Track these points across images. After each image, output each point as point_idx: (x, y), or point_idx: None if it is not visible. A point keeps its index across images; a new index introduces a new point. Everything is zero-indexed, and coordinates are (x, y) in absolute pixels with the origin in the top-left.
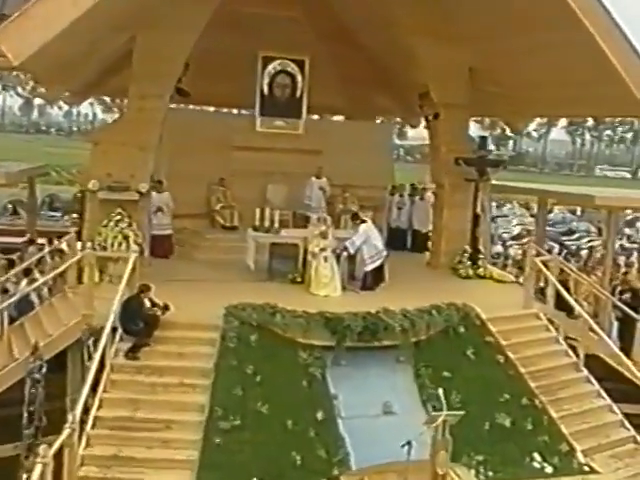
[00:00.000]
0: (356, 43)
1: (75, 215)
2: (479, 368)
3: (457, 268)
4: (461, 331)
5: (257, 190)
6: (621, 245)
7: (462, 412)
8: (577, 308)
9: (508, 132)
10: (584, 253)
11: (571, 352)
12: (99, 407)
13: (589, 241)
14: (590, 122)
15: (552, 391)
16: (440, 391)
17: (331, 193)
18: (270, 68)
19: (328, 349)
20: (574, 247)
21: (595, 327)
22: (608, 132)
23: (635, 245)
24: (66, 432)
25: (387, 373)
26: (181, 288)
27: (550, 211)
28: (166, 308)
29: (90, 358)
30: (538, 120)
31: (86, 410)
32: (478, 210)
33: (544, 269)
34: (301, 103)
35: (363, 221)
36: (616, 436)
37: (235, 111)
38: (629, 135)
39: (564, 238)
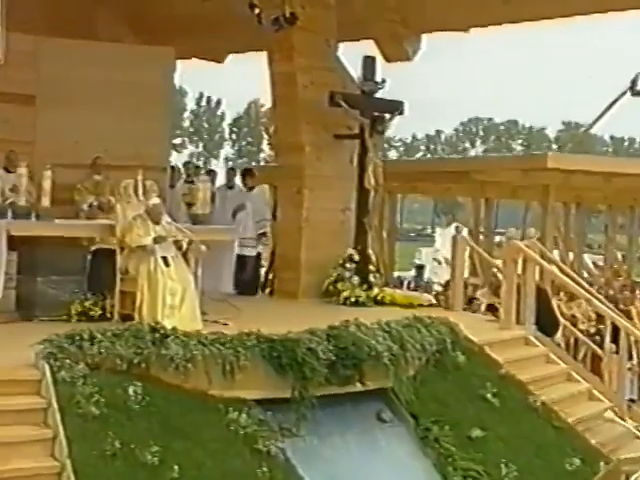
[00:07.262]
0: None
1: None
2: (513, 419)
3: (336, 290)
4: (460, 360)
5: None
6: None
7: None
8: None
9: None
10: None
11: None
12: None
13: None
14: None
15: (610, 451)
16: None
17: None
18: None
19: (268, 405)
20: None
21: None
22: None
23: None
24: None
25: (377, 445)
26: None
27: None
28: None
29: None
30: None
31: None
32: (370, 183)
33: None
34: None
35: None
36: None
37: None
38: None
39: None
